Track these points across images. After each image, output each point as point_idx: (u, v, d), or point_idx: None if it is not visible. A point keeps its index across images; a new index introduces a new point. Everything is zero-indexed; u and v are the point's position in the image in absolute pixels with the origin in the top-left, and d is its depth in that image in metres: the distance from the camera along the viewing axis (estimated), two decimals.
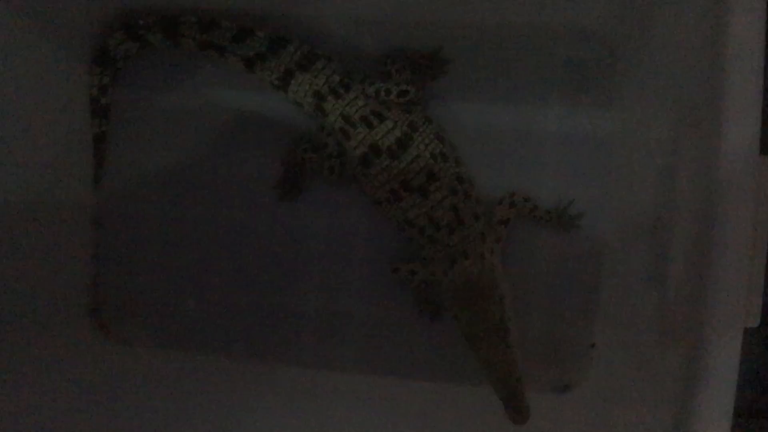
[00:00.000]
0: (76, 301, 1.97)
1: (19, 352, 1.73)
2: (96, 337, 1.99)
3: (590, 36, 1.82)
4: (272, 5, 1.85)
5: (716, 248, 1.28)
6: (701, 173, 1.33)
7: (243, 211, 1.97)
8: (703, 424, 1.27)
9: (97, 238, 1.98)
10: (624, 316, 1.75)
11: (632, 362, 1.67)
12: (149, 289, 2.01)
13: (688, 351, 1.32)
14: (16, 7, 1.62)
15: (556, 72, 1.85)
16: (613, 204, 1.84)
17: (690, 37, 1.45)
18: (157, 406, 1.81)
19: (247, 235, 1.97)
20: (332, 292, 1.96)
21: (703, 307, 1.29)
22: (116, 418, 1.77)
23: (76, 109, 1.90)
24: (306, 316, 1.97)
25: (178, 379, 1.93)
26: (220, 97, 1.95)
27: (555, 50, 1.85)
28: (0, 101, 1.65)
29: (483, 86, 1.88)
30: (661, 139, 1.60)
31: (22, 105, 1.72)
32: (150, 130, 1.98)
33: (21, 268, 1.77)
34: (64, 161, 1.89)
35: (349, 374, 1.95)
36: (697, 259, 1.33)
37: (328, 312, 1.96)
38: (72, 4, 1.77)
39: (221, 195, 1.97)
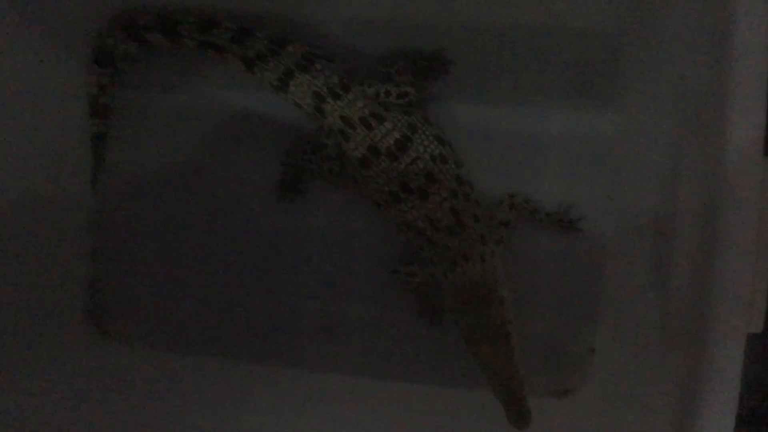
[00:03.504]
0: (74, 301, 1.96)
1: (16, 351, 1.73)
2: (93, 336, 1.98)
3: (592, 37, 1.81)
4: (272, 5, 1.84)
5: (719, 252, 1.26)
6: (704, 175, 1.31)
7: (242, 212, 1.96)
8: (706, 430, 1.25)
9: (95, 238, 1.98)
10: (625, 320, 1.74)
11: (633, 367, 1.66)
12: (148, 289, 2.00)
13: (691, 356, 1.31)
14: (15, 6, 1.61)
15: (557, 73, 1.83)
16: (614, 206, 1.83)
17: (694, 38, 1.44)
18: (155, 406, 1.80)
19: (246, 236, 1.96)
20: (332, 293, 1.95)
21: (705, 312, 1.27)
22: (113, 418, 1.75)
23: (75, 109, 1.89)
24: (305, 317, 1.96)
25: (176, 379, 1.92)
26: (219, 98, 1.94)
27: (556, 51, 1.83)
28: None
29: (484, 87, 1.86)
30: (663, 141, 1.58)
31: (20, 105, 1.72)
32: (149, 130, 1.97)
33: (18, 267, 1.76)
34: (62, 161, 1.88)
35: (348, 377, 1.93)
36: (700, 262, 1.32)
37: (328, 314, 1.96)
38: (71, 3, 1.76)
39: (220, 196, 1.96)
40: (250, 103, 1.92)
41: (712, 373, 1.26)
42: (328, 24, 1.86)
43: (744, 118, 1.24)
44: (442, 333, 1.89)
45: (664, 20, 1.59)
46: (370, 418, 1.81)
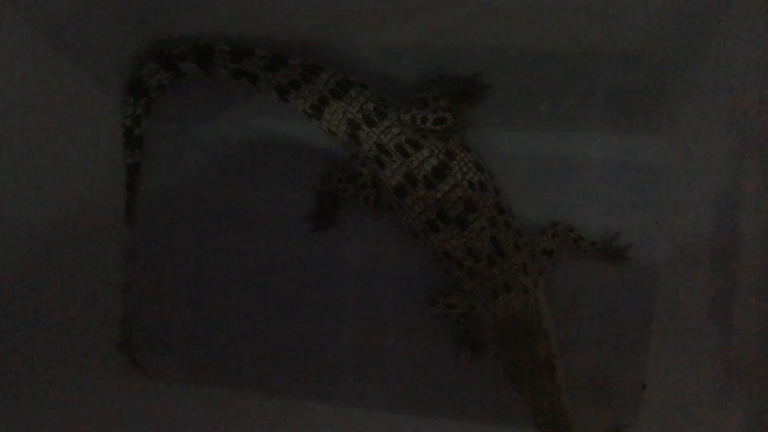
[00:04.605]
0: (108, 336, 1.95)
1: (51, 385, 1.71)
2: (127, 371, 1.97)
3: (637, 59, 1.77)
4: (306, 33, 1.84)
5: None
6: None
7: (276, 243, 1.95)
8: None
9: (129, 270, 1.97)
10: (681, 355, 1.67)
11: (691, 405, 1.58)
12: (181, 323, 1.99)
13: (759, 396, 1.21)
14: (50, 38, 1.62)
15: (601, 97, 1.80)
16: (665, 234, 1.77)
17: (750, 55, 1.37)
18: None
19: (280, 268, 1.95)
20: (367, 326, 1.92)
21: None
22: None
23: (110, 140, 1.90)
24: (339, 350, 1.93)
25: (209, 414, 1.90)
26: (253, 127, 1.94)
27: (600, 74, 1.80)
28: (34, 132, 1.65)
29: (524, 112, 1.83)
30: (719, 164, 1.52)
31: (56, 137, 1.73)
32: (183, 161, 1.97)
33: (52, 301, 1.75)
34: (97, 192, 1.89)
35: (383, 413, 1.89)
36: (765, 292, 1.23)
37: (363, 347, 1.92)
38: (105, 34, 1.78)
39: (254, 227, 1.95)
40: (284, 131, 1.92)
41: None
42: (363, 50, 1.85)
43: None
44: (483, 368, 1.83)
45: (718, 40, 1.53)
46: None
